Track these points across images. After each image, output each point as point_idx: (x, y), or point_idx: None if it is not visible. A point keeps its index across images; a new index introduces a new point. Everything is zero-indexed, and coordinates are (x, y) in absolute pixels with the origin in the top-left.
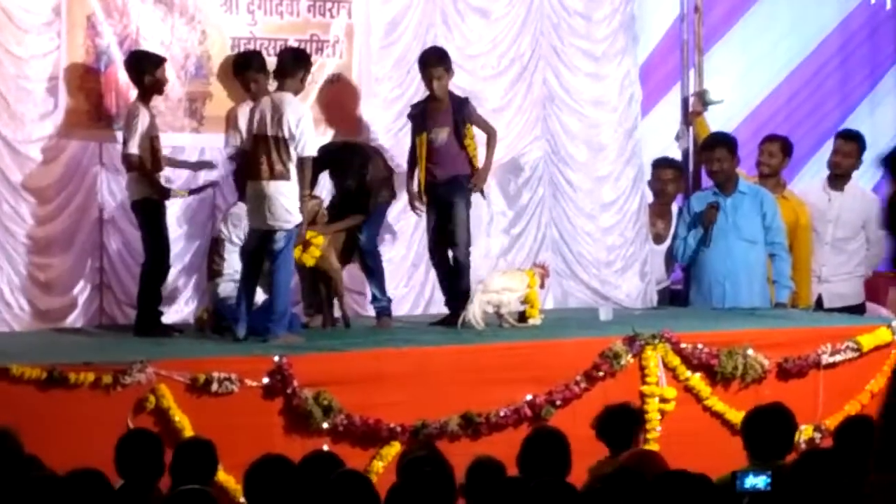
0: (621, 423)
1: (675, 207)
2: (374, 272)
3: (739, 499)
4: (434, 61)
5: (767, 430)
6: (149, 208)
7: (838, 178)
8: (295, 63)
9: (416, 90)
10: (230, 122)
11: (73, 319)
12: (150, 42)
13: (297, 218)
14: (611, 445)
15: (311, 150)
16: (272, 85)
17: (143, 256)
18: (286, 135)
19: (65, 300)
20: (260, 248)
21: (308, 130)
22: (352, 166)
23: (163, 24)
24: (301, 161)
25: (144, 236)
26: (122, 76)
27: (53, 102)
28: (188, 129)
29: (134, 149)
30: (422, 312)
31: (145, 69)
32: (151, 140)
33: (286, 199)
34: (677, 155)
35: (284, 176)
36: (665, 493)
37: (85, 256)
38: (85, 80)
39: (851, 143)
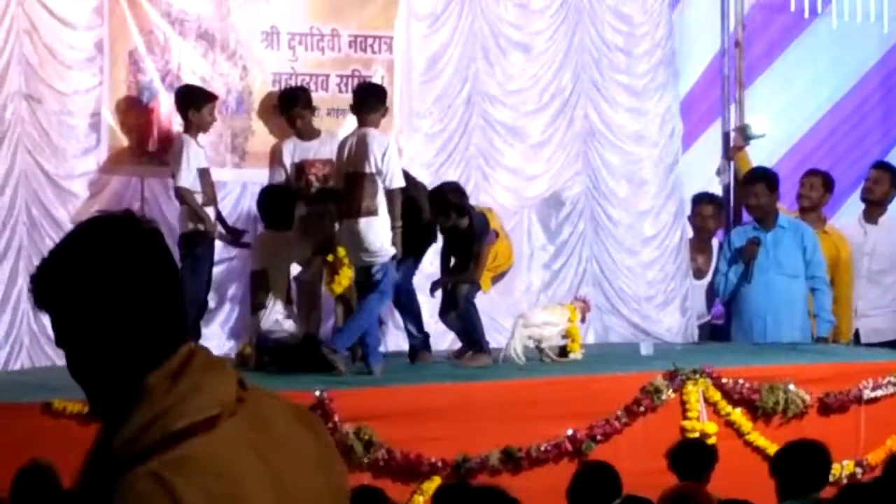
0: (696, 458)
1: (715, 242)
2: (410, 310)
3: None
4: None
5: (799, 465)
6: (194, 242)
7: (873, 210)
8: (374, 98)
9: (458, 125)
10: (275, 157)
11: None
12: (191, 77)
13: (391, 250)
14: (682, 478)
15: (399, 182)
16: (318, 121)
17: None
18: (373, 170)
19: None
20: (400, 281)
21: (394, 162)
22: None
23: (204, 60)
24: (390, 193)
25: (184, 270)
26: (164, 111)
27: (96, 138)
28: (230, 164)
29: (181, 182)
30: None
31: (191, 104)
32: (200, 173)
33: (377, 235)
34: (718, 190)
35: (373, 211)
36: None
37: None
38: (127, 116)
39: (883, 171)
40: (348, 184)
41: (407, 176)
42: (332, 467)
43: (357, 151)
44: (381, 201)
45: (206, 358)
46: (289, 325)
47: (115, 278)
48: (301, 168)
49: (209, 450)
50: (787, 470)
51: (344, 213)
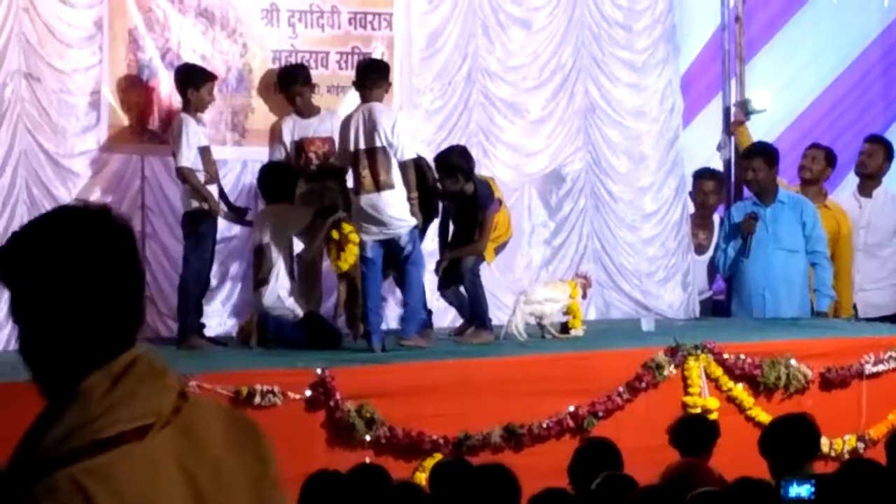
0: (698, 433)
1: (716, 218)
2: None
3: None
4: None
5: (787, 440)
6: (197, 220)
7: (867, 183)
8: (377, 74)
9: (458, 102)
10: (275, 135)
11: None
12: (191, 55)
13: (412, 220)
14: (685, 454)
15: (411, 153)
16: (318, 98)
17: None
18: (384, 143)
19: None
20: (384, 257)
21: (404, 134)
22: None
23: (204, 38)
24: (403, 165)
25: (187, 248)
26: (165, 89)
27: (96, 116)
28: (230, 142)
29: (182, 161)
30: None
31: (190, 83)
32: (201, 151)
33: (398, 207)
34: (719, 165)
35: (390, 185)
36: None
37: None
38: (127, 94)
39: (877, 144)
40: (360, 159)
41: None
42: (264, 484)
43: (366, 127)
44: (397, 174)
45: (149, 365)
46: (290, 303)
47: (75, 268)
48: (301, 146)
49: (133, 462)
50: (776, 447)
51: (358, 189)
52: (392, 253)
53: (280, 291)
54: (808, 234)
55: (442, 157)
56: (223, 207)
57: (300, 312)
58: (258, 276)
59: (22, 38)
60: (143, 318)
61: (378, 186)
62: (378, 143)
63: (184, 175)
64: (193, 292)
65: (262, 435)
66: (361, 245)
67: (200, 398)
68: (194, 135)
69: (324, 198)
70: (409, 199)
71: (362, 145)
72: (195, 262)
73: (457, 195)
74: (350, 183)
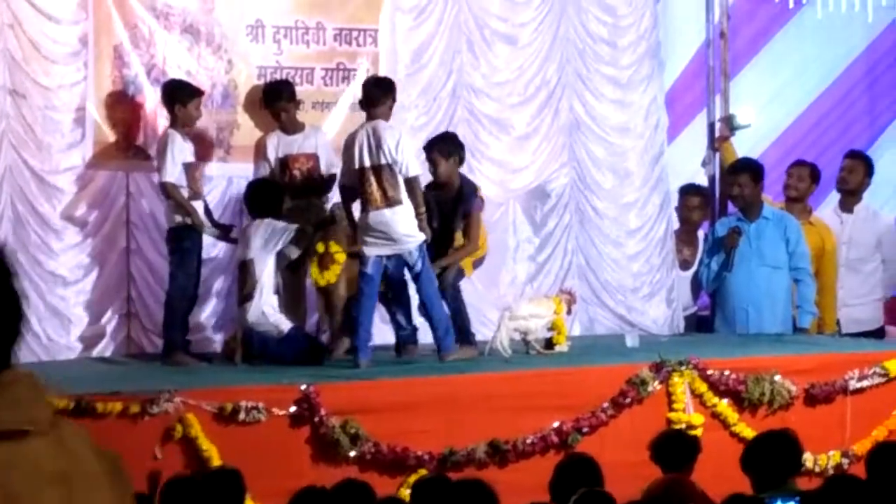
0: (679, 449)
1: (701, 234)
2: (401, 301)
3: None
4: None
5: (769, 456)
6: (182, 236)
7: (848, 199)
8: (382, 92)
9: (443, 118)
10: (259, 151)
11: (101, 349)
12: (176, 72)
13: (420, 235)
14: (665, 470)
15: (416, 170)
16: (303, 114)
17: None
18: (389, 161)
19: (92, 330)
20: (393, 273)
21: (408, 151)
22: None
23: (189, 54)
24: (409, 182)
25: (172, 264)
26: (150, 106)
27: (81, 133)
28: (215, 158)
29: (166, 176)
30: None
31: (177, 99)
32: (187, 167)
33: (405, 223)
34: (704, 181)
35: (398, 201)
36: None
37: (112, 286)
38: (112, 111)
39: (856, 160)
40: (367, 177)
41: None
42: None
43: (370, 144)
44: (403, 190)
45: (31, 383)
46: (275, 318)
47: None
48: (285, 162)
49: (8, 457)
50: (758, 463)
51: (366, 206)
52: (398, 269)
53: (265, 307)
54: (791, 250)
55: (433, 140)
56: (207, 223)
57: (285, 328)
58: (243, 291)
59: (7, 54)
60: (17, 338)
61: (388, 202)
62: (383, 161)
63: (167, 191)
64: (179, 308)
65: (123, 462)
66: (362, 261)
67: (73, 423)
68: (179, 151)
69: (309, 214)
70: (418, 215)
71: (367, 163)
72: (181, 277)
73: (437, 195)
74: (332, 199)
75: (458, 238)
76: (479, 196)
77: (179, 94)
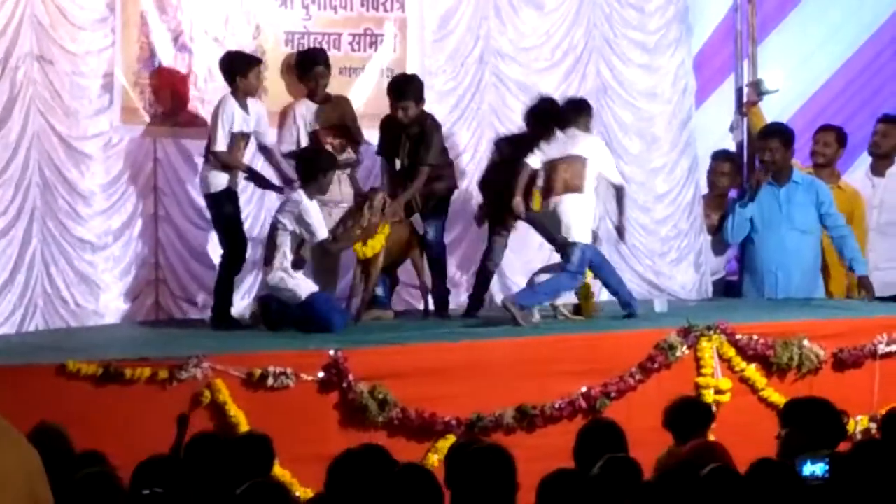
0: (691, 417)
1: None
2: (440, 264)
3: (798, 486)
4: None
5: (813, 422)
6: (222, 201)
7: (880, 162)
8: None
9: (470, 83)
10: (286, 118)
11: (129, 315)
12: (203, 38)
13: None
14: (678, 437)
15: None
16: (331, 80)
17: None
18: None
19: (120, 296)
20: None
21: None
22: None
23: (217, 20)
24: None
25: (220, 230)
26: (177, 71)
27: (108, 99)
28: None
29: (216, 146)
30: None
31: (237, 70)
32: (234, 137)
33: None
34: (732, 146)
35: None
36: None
37: (140, 252)
38: (139, 76)
39: (890, 124)
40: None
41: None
42: (36, 477)
43: None
44: None
45: None
46: (293, 284)
47: None
48: (316, 135)
49: None
50: (799, 425)
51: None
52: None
53: (281, 273)
54: (825, 212)
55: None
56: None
57: (303, 294)
58: (266, 253)
59: (34, 20)
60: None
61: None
62: None
63: (219, 159)
64: (230, 270)
65: (18, 432)
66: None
67: None
68: (229, 119)
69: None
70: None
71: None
72: (231, 241)
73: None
74: None
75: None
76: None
77: (239, 65)
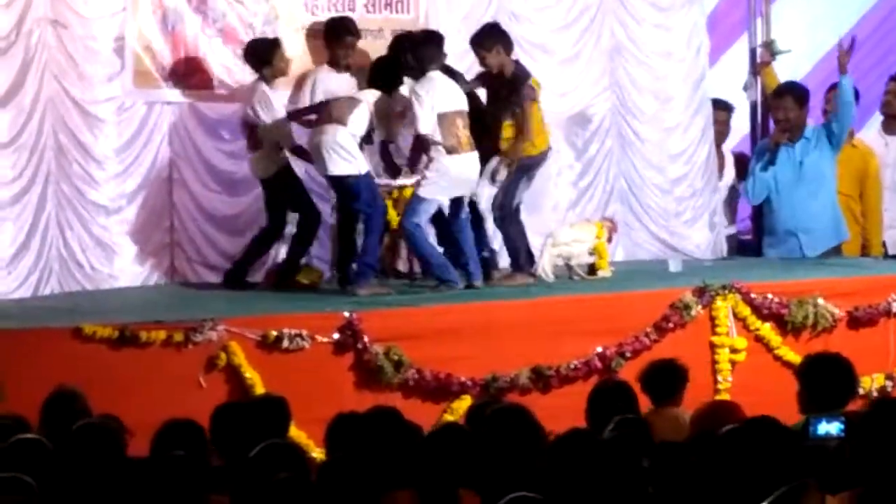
0: (666, 379)
1: (726, 149)
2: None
3: (812, 445)
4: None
5: (826, 379)
6: (277, 181)
7: (892, 121)
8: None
9: None
10: (304, 84)
11: (144, 278)
12: (217, 1)
13: None
14: (655, 399)
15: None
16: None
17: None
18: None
19: (135, 259)
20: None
21: None
22: None
23: None
24: None
25: (292, 204)
26: (189, 35)
27: (121, 63)
28: None
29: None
30: None
31: (262, 60)
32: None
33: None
34: (746, 105)
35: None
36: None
37: (155, 215)
38: (152, 40)
39: None
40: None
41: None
42: None
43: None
44: None
45: None
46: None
47: None
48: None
49: None
50: (813, 382)
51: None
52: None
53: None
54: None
55: (474, 36)
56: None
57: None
58: None
59: None
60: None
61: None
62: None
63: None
64: (309, 237)
65: None
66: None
67: None
68: (268, 106)
69: None
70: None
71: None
72: (305, 209)
73: (493, 78)
74: None
75: (507, 129)
76: (529, 85)
77: (262, 54)
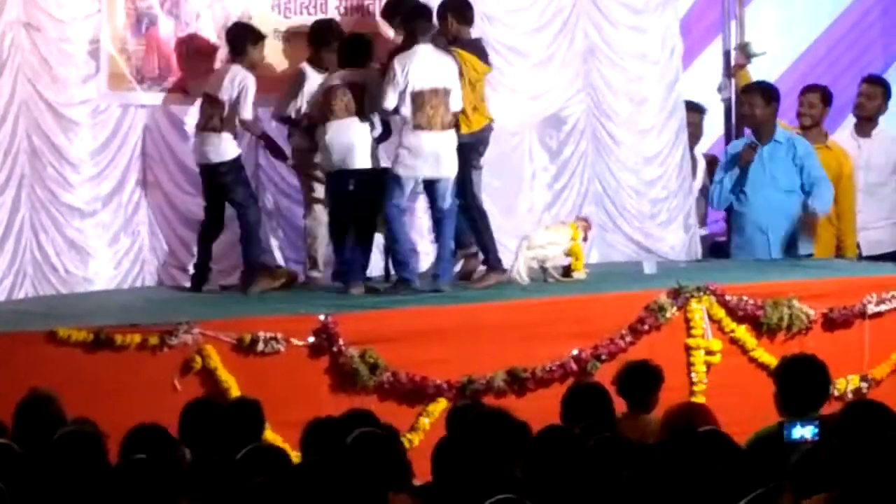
0: (641, 381)
1: (699, 152)
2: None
3: (786, 449)
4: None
5: (800, 382)
6: (238, 167)
7: (865, 123)
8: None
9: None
10: (297, 84)
11: (119, 281)
12: (191, 3)
13: None
14: (630, 402)
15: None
16: None
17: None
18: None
19: (110, 262)
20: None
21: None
22: None
23: None
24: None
25: (239, 196)
26: (164, 37)
27: (95, 65)
28: None
29: (247, 114)
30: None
31: (248, 41)
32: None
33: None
34: (720, 107)
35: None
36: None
37: (129, 218)
38: (126, 42)
39: (875, 86)
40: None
41: None
42: None
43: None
44: None
45: None
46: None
47: None
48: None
49: None
50: (789, 384)
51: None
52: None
53: None
54: (801, 165)
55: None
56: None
57: None
58: None
59: None
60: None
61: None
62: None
63: (246, 127)
64: (256, 236)
65: None
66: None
67: None
68: (252, 90)
69: None
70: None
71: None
72: (251, 205)
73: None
74: None
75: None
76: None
77: (250, 36)
